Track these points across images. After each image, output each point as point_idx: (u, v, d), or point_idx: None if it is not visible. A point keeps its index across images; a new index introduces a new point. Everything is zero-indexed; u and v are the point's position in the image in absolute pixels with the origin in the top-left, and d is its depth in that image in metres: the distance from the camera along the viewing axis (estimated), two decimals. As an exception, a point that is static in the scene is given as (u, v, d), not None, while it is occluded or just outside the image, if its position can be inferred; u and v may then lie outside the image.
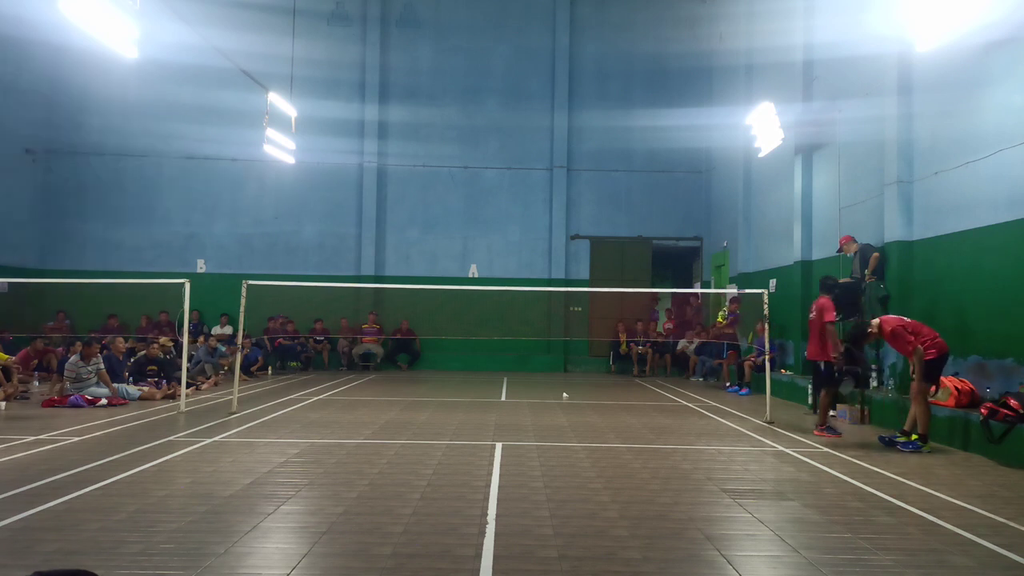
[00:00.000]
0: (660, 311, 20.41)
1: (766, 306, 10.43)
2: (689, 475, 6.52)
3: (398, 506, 5.28)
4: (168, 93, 18.75)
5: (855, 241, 10.80)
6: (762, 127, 13.59)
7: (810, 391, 11.13)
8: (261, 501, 5.30)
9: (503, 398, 12.49)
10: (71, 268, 18.37)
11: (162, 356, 13.05)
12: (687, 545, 4.50)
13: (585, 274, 19.75)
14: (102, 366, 11.25)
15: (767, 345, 10.37)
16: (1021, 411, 6.96)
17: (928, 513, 5.27)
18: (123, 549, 4.23)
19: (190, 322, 16.95)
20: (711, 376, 16.62)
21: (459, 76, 19.95)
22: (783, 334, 14.13)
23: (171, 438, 7.93)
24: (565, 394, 12.65)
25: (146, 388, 11.74)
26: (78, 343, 12.62)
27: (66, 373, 10.96)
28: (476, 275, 19.60)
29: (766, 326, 10.42)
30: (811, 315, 9.23)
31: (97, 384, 11.00)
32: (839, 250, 11.08)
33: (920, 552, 4.44)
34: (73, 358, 11.12)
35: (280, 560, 4.13)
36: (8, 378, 11.32)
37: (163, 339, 14.33)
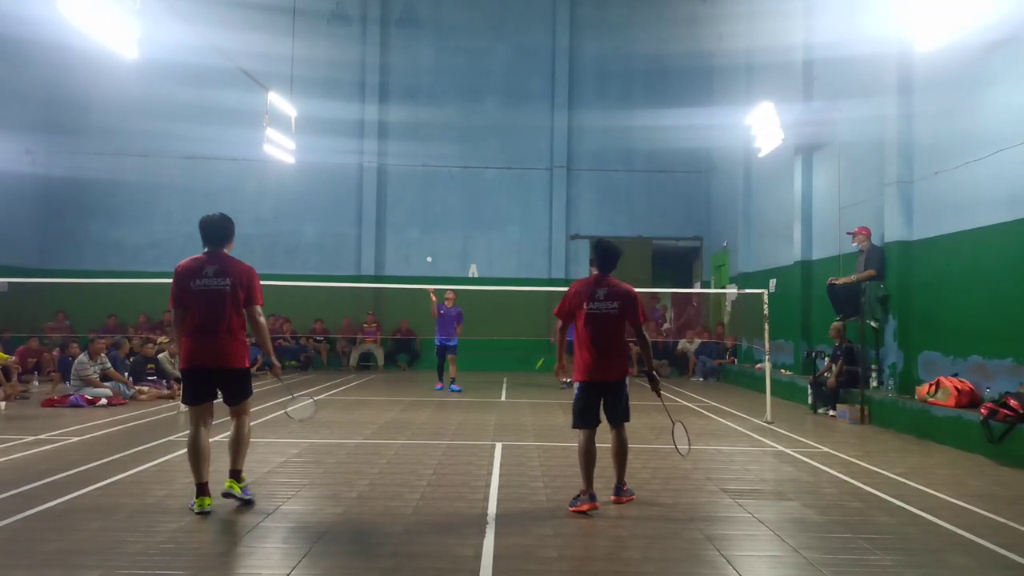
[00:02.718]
0: (668, 315, 20.39)
1: (766, 306, 10.43)
2: (689, 475, 6.52)
3: (398, 506, 5.28)
4: (168, 93, 18.73)
5: (869, 239, 10.67)
6: (762, 127, 13.59)
7: (810, 391, 11.14)
8: (261, 501, 5.30)
9: (503, 398, 12.49)
10: (71, 268, 18.36)
11: (171, 360, 13.04)
12: (687, 545, 4.50)
13: (585, 274, 19.64)
14: (108, 364, 11.28)
15: (767, 345, 10.37)
16: (1021, 411, 6.97)
17: (928, 513, 5.27)
18: (123, 549, 4.23)
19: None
20: (711, 376, 16.64)
21: (459, 76, 19.95)
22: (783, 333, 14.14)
23: (171, 438, 7.93)
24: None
25: (146, 388, 11.75)
26: (73, 344, 12.65)
27: (74, 371, 10.98)
28: (476, 275, 19.60)
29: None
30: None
31: (101, 383, 11.01)
32: (854, 233, 10.83)
33: (920, 552, 4.44)
34: (82, 356, 11.15)
35: (280, 560, 4.13)
36: (8, 378, 11.33)
37: (161, 338, 14.30)
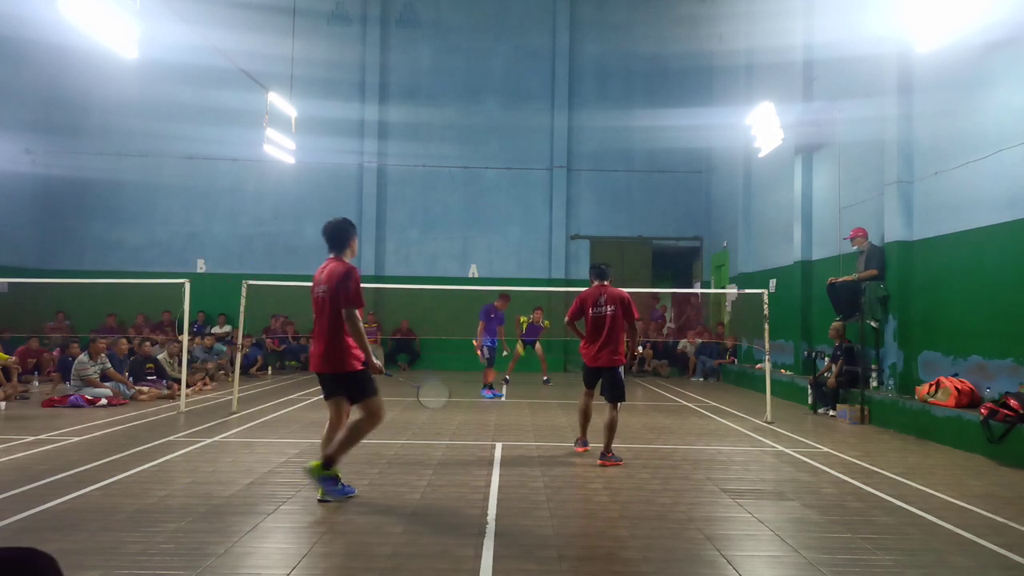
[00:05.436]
0: (667, 315, 20.38)
1: (766, 306, 10.43)
2: (689, 475, 6.52)
3: (398, 506, 5.28)
4: (168, 93, 18.74)
5: (868, 239, 10.68)
6: (762, 127, 13.59)
7: (809, 394, 11.13)
8: (261, 501, 5.30)
9: (503, 398, 12.47)
10: (71, 268, 18.36)
11: (169, 361, 13.04)
12: (687, 545, 4.50)
13: (585, 274, 19.62)
14: (108, 364, 11.28)
15: (767, 345, 10.37)
16: (1021, 411, 6.97)
17: (928, 513, 5.27)
18: (123, 549, 4.23)
19: (195, 323, 17.07)
20: (711, 376, 16.64)
21: (459, 76, 19.94)
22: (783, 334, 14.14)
23: (171, 438, 7.93)
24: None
25: (146, 388, 11.75)
26: (73, 344, 12.65)
27: (74, 371, 10.98)
28: (476, 275, 19.59)
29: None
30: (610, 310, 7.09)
31: (100, 383, 11.01)
32: (850, 237, 10.85)
33: (920, 552, 4.44)
34: (82, 356, 11.14)
35: (280, 560, 4.13)
36: (8, 378, 11.32)
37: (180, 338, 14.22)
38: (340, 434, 5.40)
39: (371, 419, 5.41)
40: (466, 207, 19.79)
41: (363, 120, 19.56)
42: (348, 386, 5.41)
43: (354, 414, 5.55)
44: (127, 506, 5.12)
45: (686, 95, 19.41)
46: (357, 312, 5.25)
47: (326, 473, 5.29)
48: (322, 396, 5.64)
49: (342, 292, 5.21)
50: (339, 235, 5.48)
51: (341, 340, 5.25)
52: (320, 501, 5.27)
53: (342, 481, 5.41)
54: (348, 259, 5.47)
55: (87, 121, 18.97)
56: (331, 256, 5.47)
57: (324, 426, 5.64)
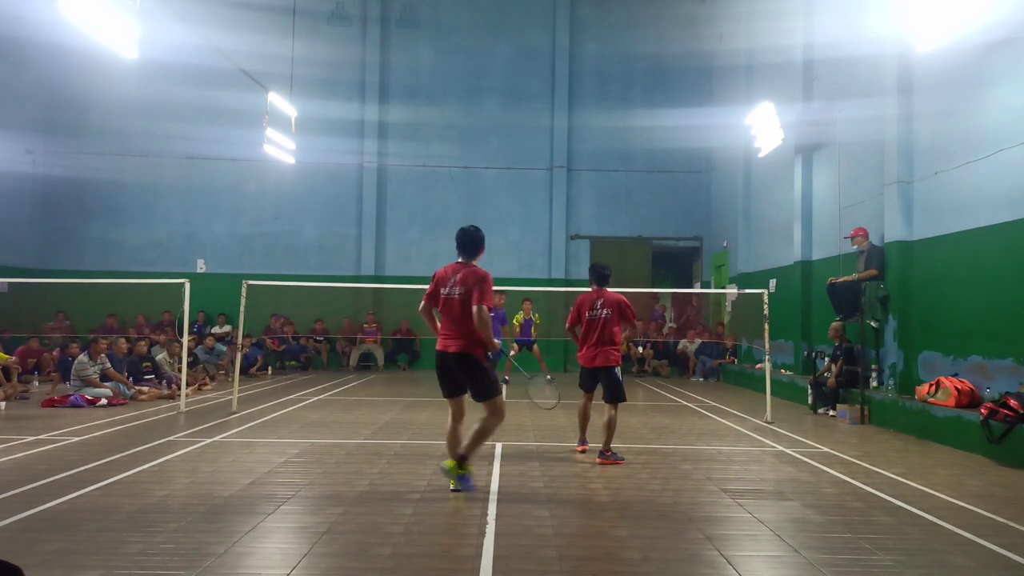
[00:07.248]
0: (667, 314, 20.34)
1: (766, 306, 10.43)
2: (689, 475, 6.52)
3: (398, 506, 5.28)
4: (168, 93, 18.74)
5: (868, 239, 10.68)
6: (762, 127, 13.59)
7: (809, 394, 11.13)
8: (261, 501, 5.30)
9: (503, 398, 12.47)
10: (71, 268, 18.36)
11: (169, 361, 13.03)
12: (687, 545, 4.50)
13: (585, 274, 19.65)
14: (108, 364, 11.28)
15: (767, 345, 10.37)
16: (1021, 411, 6.96)
17: (928, 513, 5.27)
18: (123, 549, 4.22)
19: (195, 323, 17.07)
20: (711, 376, 16.64)
21: (459, 76, 19.95)
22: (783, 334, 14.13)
23: (171, 438, 7.93)
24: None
25: (146, 388, 11.75)
26: (73, 344, 12.64)
27: (74, 371, 10.98)
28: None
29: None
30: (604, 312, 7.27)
31: (101, 383, 11.00)
32: (851, 237, 10.85)
33: (920, 552, 4.44)
34: (82, 356, 11.14)
35: (280, 560, 4.13)
36: (8, 378, 11.32)
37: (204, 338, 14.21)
38: (470, 432, 5.71)
39: (495, 417, 5.75)
40: (466, 207, 19.77)
41: (363, 120, 19.57)
42: (474, 379, 5.72)
43: (471, 413, 5.94)
44: (127, 506, 5.12)
45: (686, 95, 19.42)
46: (487, 308, 5.65)
47: (462, 472, 5.64)
48: (444, 395, 6.01)
49: (477, 292, 5.62)
50: (473, 243, 5.96)
51: (471, 332, 5.66)
52: (453, 491, 5.62)
53: (466, 475, 5.73)
54: (477, 264, 5.92)
55: (87, 121, 18.97)
56: (460, 261, 5.89)
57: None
